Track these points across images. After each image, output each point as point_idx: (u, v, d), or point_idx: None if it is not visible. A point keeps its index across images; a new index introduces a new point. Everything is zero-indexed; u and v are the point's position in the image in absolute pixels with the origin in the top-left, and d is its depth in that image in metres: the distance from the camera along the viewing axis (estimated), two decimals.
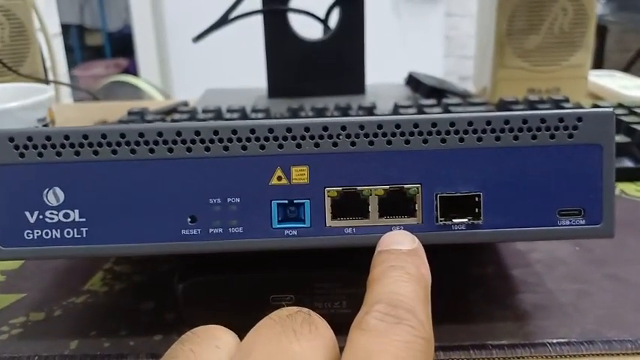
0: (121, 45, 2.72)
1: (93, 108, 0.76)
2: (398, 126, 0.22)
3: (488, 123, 0.22)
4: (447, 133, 0.22)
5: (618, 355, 0.24)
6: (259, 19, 0.63)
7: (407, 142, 0.22)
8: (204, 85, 0.81)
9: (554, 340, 0.24)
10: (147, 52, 2.30)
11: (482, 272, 0.30)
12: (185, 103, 0.65)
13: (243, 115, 0.51)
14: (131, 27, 2.35)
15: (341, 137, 0.22)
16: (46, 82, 0.66)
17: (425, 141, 0.22)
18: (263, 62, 0.64)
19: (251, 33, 0.78)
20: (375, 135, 0.22)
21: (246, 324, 0.19)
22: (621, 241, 0.32)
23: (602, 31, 1.73)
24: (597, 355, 0.24)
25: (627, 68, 1.63)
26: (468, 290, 0.28)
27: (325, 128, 0.22)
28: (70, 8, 2.69)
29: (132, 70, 2.47)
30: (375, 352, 0.16)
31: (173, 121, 0.49)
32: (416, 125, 0.22)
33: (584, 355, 0.24)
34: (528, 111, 0.22)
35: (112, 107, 0.74)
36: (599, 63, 1.71)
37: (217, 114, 0.51)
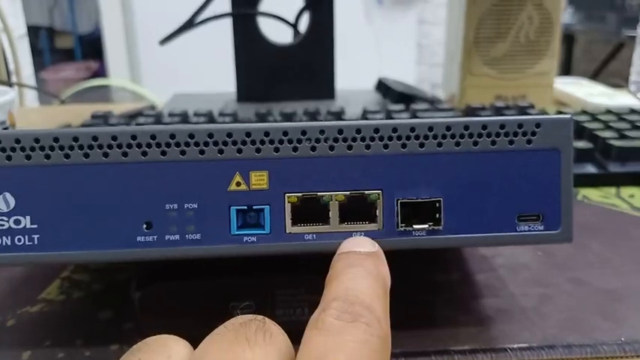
0: (92, 47, 2.69)
1: (58, 111, 0.74)
2: (359, 131, 0.22)
3: (448, 128, 0.22)
4: (408, 138, 0.22)
5: (578, 359, 0.24)
6: (229, 22, 0.62)
7: (367, 147, 0.22)
8: (175, 87, 0.80)
9: (515, 345, 0.24)
10: (117, 55, 2.27)
11: (446, 278, 0.30)
12: (152, 107, 0.64)
13: (210, 120, 0.51)
14: (101, 29, 2.32)
15: (301, 142, 0.22)
16: (9, 84, 0.64)
17: (385, 146, 0.22)
18: (233, 65, 0.63)
19: (222, 36, 0.77)
20: (336, 140, 0.22)
21: (205, 332, 0.19)
22: (584, 246, 0.33)
23: (569, 41, 1.77)
24: None
25: (594, 77, 1.66)
26: (432, 296, 0.28)
27: (285, 133, 0.22)
28: (40, 10, 2.65)
29: (102, 72, 2.43)
30: (329, 351, 0.16)
31: (137, 124, 0.48)
32: (376, 130, 0.22)
33: None
34: (488, 117, 0.22)
35: (77, 110, 0.73)
36: (567, 71, 1.75)
37: (183, 118, 0.51)
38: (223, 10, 0.61)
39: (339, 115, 0.51)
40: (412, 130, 0.22)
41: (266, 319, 0.18)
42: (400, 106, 0.54)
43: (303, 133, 0.22)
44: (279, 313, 0.24)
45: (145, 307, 0.24)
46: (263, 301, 0.24)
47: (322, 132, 0.22)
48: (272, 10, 0.63)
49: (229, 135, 0.22)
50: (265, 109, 0.53)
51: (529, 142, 0.22)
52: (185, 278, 0.24)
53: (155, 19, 2.10)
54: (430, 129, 0.22)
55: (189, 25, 0.59)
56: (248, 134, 0.22)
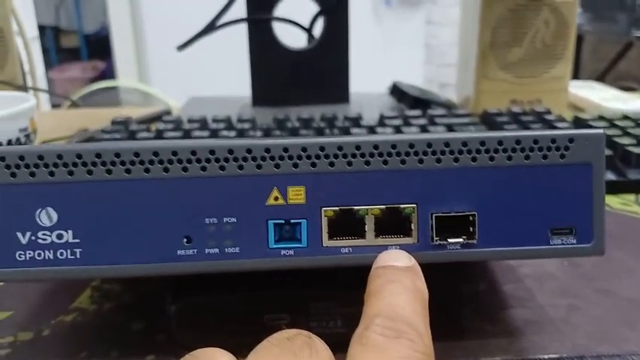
0: (98, 47, 2.69)
1: (72, 115, 0.74)
2: (394, 146, 0.22)
3: (483, 143, 0.22)
4: (442, 153, 0.22)
5: None
6: (240, 23, 0.62)
7: (403, 162, 0.22)
8: (184, 87, 0.80)
9: (546, 356, 0.25)
10: (125, 55, 2.27)
11: (473, 288, 0.30)
12: (168, 112, 0.64)
13: (229, 125, 0.51)
14: (108, 29, 2.32)
15: (338, 157, 0.22)
16: (25, 88, 0.65)
17: (420, 161, 0.22)
18: (244, 65, 0.63)
19: (232, 36, 0.77)
20: (372, 155, 0.22)
21: (240, 344, 0.19)
22: (608, 255, 0.32)
23: (578, 41, 1.76)
24: None
25: (602, 77, 1.66)
26: (460, 306, 0.28)
27: (322, 148, 0.22)
28: (46, 9, 2.65)
29: (109, 72, 2.44)
30: None
31: (158, 131, 0.49)
32: (411, 145, 0.22)
33: None
34: (521, 131, 0.23)
35: (91, 114, 0.73)
36: (575, 72, 1.74)
37: (203, 124, 0.51)
38: (238, 14, 0.62)
39: (356, 121, 0.52)
40: (447, 145, 0.22)
41: (311, 334, 0.18)
42: (417, 112, 0.54)
43: (340, 148, 0.22)
44: (312, 325, 0.25)
45: (180, 320, 0.24)
46: (297, 314, 0.24)
47: (358, 147, 0.22)
48: (287, 15, 0.63)
49: (267, 150, 0.22)
50: (281, 113, 0.54)
51: (562, 156, 0.23)
52: (220, 292, 0.24)
53: (163, 19, 2.11)
54: (464, 144, 0.22)
55: (208, 30, 0.59)
56: (285, 149, 0.22)
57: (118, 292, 0.30)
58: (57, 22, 2.76)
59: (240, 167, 0.22)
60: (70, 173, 0.21)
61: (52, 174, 0.21)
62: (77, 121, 0.66)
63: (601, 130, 0.23)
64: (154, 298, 0.30)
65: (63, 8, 2.82)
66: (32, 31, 1.09)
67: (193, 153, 0.22)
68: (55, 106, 1.32)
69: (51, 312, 0.29)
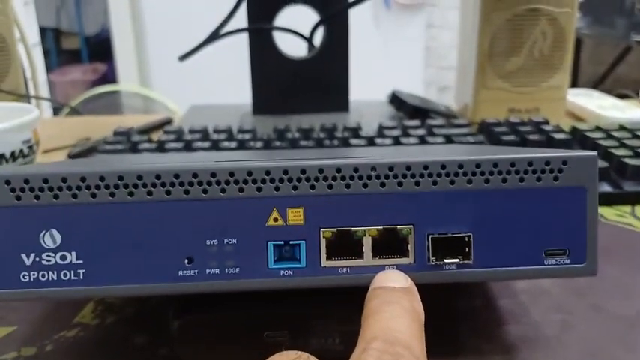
0: (99, 49, 2.69)
1: (73, 123, 0.75)
2: (391, 169, 0.23)
3: (478, 166, 0.23)
4: (439, 175, 0.23)
5: None
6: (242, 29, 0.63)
7: (400, 184, 0.23)
8: (186, 90, 0.81)
9: None
10: (126, 57, 2.28)
11: (469, 304, 0.30)
12: (169, 121, 0.65)
13: (230, 136, 0.52)
14: (110, 31, 2.33)
15: (336, 180, 0.23)
16: (28, 97, 0.65)
17: (417, 183, 0.23)
18: (244, 67, 0.64)
19: (233, 40, 0.78)
20: (369, 177, 0.23)
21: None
22: (602, 270, 0.33)
23: (576, 44, 1.77)
24: None
25: (601, 81, 1.67)
26: (455, 323, 0.29)
27: (321, 171, 0.23)
28: (46, 11, 2.65)
29: (111, 75, 2.44)
30: None
31: (160, 143, 0.49)
32: (408, 168, 0.23)
33: None
34: (515, 153, 0.23)
35: (93, 122, 0.74)
36: (574, 76, 1.75)
37: (204, 135, 0.52)
38: (239, 24, 0.62)
39: (356, 132, 0.52)
40: (443, 167, 0.23)
41: (310, 356, 0.19)
42: (416, 122, 0.54)
43: (338, 170, 0.23)
44: (312, 342, 0.25)
45: (182, 336, 0.25)
46: (297, 331, 0.25)
47: (356, 170, 0.23)
48: (287, 25, 0.63)
49: (267, 173, 0.22)
50: (281, 122, 0.54)
51: (556, 179, 0.23)
52: (222, 309, 0.25)
53: (164, 21, 2.12)
54: (460, 167, 0.23)
55: (210, 40, 0.60)
56: (285, 172, 0.22)
57: (120, 305, 0.31)
58: (58, 23, 2.77)
59: (241, 190, 0.22)
60: (74, 196, 0.22)
61: (56, 197, 0.22)
62: (78, 130, 0.66)
63: (594, 153, 0.23)
64: (155, 312, 0.30)
65: (64, 10, 2.82)
66: (34, 37, 1.09)
67: (195, 176, 0.22)
68: (56, 109, 1.33)
69: (54, 327, 0.29)
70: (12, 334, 0.29)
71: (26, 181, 0.22)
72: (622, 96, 0.84)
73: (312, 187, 0.23)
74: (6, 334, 0.29)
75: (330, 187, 0.23)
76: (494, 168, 0.23)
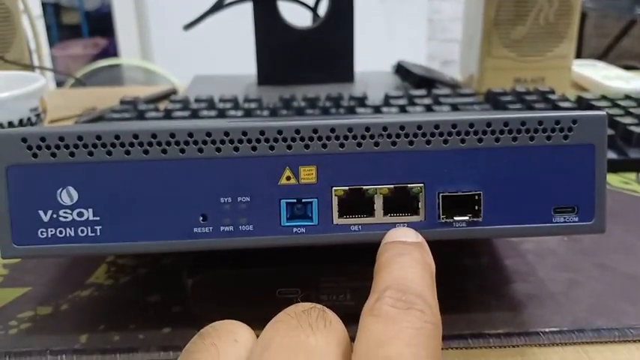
0: (99, 24, 2.67)
1: (78, 94, 0.75)
2: (402, 128, 0.23)
3: (489, 125, 0.23)
4: (449, 134, 0.23)
5: (606, 342, 0.25)
6: (246, 3, 0.62)
7: (411, 143, 0.23)
8: (188, 65, 0.80)
9: (547, 329, 0.26)
10: (127, 32, 2.26)
11: (476, 263, 0.31)
12: (174, 91, 0.65)
13: (236, 105, 0.52)
14: (110, 5, 2.31)
15: (348, 138, 0.23)
16: (32, 67, 0.65)
17: (428, 142, 0.23)
18: (247, 42, 0.63)
19: (236, 14, 0.77)
20: (381, 136, 0.23)
21: (253, 317, 0.20)
22: (608, 231, 0.33)
23: (581, 17, 1.75)
24: (587, 343, 0.25)
25: (605, 54, 1.65)
26: (464, 280, 0.29)
27: (332, 130, 0.23)
28: None
29: (111, 50, 2.43)
30: (388, 338, 0.17)
31: (167, 111, 0.49)
32: (419, 127, 0.23)
33: (574, 343, 0.25)
34: (526, 113, 0.23)
35: (98, 93, 0.74)
36: (578, 48, 1.73)
37: (210, 104, 0.52)
38: None
39: (362, 101, 0.52)
40: (454, 126, 0.23)
41: (324, 307, 0.19)
42: (422, 91, 0.54)
43: (350, 129, 0.23)
44: (323, 298, 0.26)
45: (196, 294, 0.25)
46: (308, 288, 0.25)
47: (368, 129, 0.23)
48: None
49: (280, 132, 0.23)
50: (288, 93, 0.54)
51: (565, 137, 0.23)
52: (235, 267, 0.25)
53: None
54: (471, 125, 0.23)
55: (216, 8, 0.59)
56: (297, 131, 0.23)
57: (133, 266, 0.31)
58: None
59: (254, 148, 0.23)
60: (90, 154, 0.22)
61: (72, 154, 0.22)
62: (83, 100, 0.67)
63: (603, 112, 0.24)
64: (167, 271, 0.31)
65: None
66: (36, 10, 1.09)
67: (208, 134, 0.22)
68: (58, 83, 1.32)
69: (68, 287, 0.30)
70: (27, 294, 0.29)
71: (42, 139, 0.22)
72: (627, 67, 0.84)
73: (324, 146, 0.23)
74: (21, 295, 0.29)
75: (342, 145, 0.23)
76: (504, 127, 0.23)
